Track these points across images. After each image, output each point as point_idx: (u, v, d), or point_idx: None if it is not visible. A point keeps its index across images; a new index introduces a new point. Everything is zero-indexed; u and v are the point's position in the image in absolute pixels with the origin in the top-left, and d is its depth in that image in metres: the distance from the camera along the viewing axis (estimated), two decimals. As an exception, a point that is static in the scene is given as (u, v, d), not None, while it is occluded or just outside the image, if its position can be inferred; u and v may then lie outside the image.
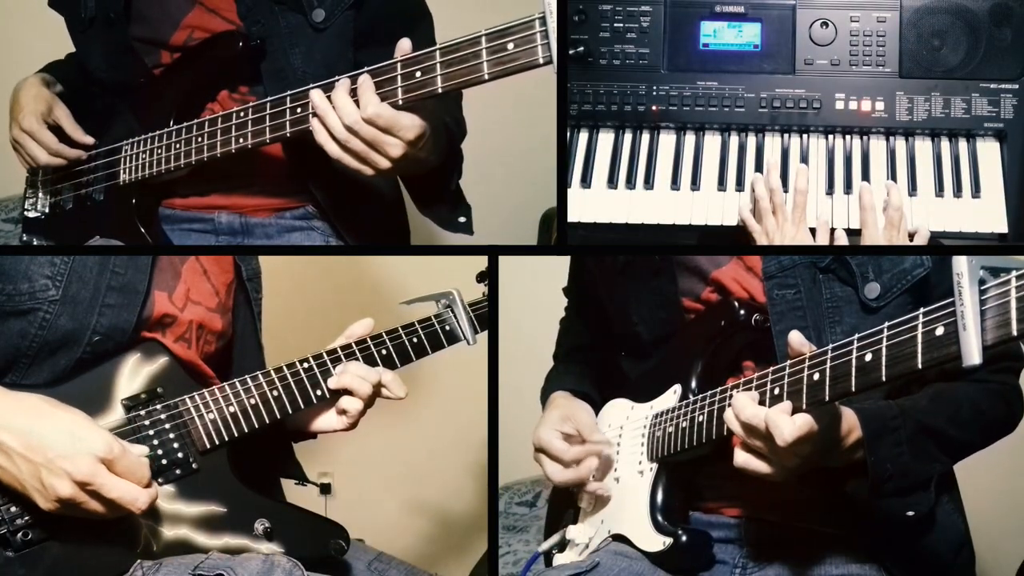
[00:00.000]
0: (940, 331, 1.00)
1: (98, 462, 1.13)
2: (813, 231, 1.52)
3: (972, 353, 0.96)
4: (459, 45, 1.30)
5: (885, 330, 1.07)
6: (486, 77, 1.29)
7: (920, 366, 1.02)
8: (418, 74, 1.32)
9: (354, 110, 1.34)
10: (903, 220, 1.49)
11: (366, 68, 1.36)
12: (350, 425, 1.42)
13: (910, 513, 1.27)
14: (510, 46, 1.27)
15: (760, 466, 1.21)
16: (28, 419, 1.14)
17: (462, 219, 1.59)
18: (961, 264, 0.97)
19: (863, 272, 1.35)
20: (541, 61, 1.26)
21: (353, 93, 1.35)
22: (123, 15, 1.58)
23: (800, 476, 1.22)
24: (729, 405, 1.23)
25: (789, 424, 1.14)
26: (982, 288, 0.96)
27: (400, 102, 1.34)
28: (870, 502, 1.26)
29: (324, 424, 1.44)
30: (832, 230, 1.53)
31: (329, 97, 1.36)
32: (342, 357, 1.40)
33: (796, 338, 1.20)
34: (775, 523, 1.38)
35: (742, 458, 1.22)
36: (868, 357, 1.08)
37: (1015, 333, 0.94)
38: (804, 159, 1.63)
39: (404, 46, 1.34)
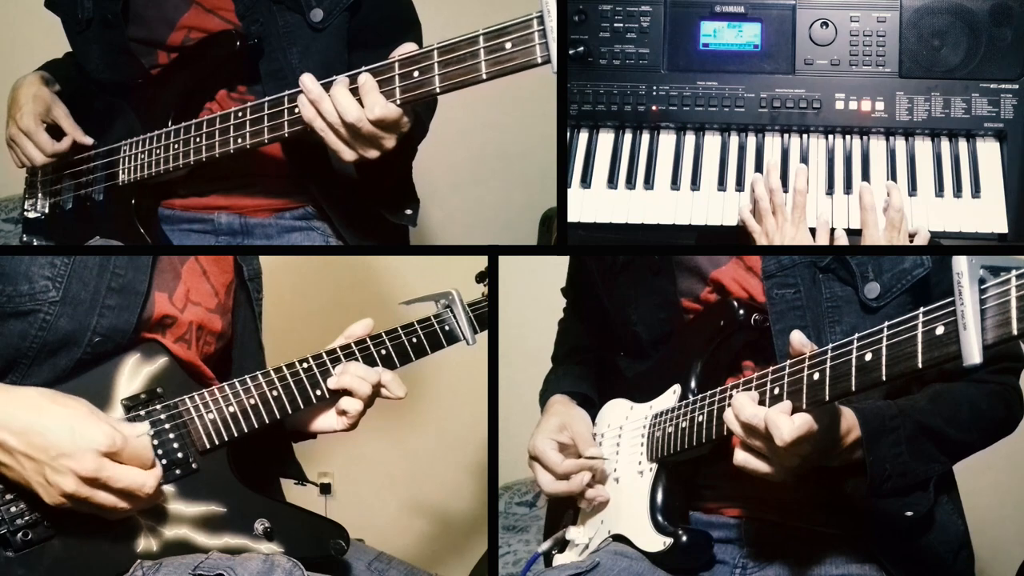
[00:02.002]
0: (940, 330, 1.00)
1: (101, 456, 1.13)
2: (813, 231, 1.52)
3: (972, 352, 0.96)
4: (457, 45, 1.30)
5: (885, 330, 1.07)
6: (484, 77, 1.29)
7: (920, 366, 1.02)
8: (416, 74, 1.32)
9: (357, 109, 1.34)
10: (904, 221, 1.49)
11: (364, 68, 1.36)
12: (350, 426, 1.42)
13: (908, 513, 1.28)
14: (508, 45, 1.27)
15: (759, 465, 1.21)
16: (28, 416, 1.14)
17: (408, 211, 1.59)
18: (961, 264, 0.96)
19: (863, 272, 1.35)
20: (539, 60, 1.26)
21: (354, 92, 1.35)
22: (120, 16, 1.57)
23: (799, 476, 1.22)
24: (729, 405, 1.23)
25: (788, 424, 1.14)
26: (982, 287, 0.96)
27: (398, 102, 1.34)
28: (869, 502, 1.26)
29: (324, 424, 1.44)
30: (832, 230, 1.53)
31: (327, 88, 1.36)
32: (342, 357, 1.40)
33: (797, 338, 1.20)
34: (775, 523, 1.38)
35: (741, 457, 1.22)
36: (868, 357, 1.08)
37: (1015, 332, 0.93)
38: (804, 159, 1.63)
39: (406, 48, 1.34)
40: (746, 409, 1.19)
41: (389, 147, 1.38)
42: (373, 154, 1.38)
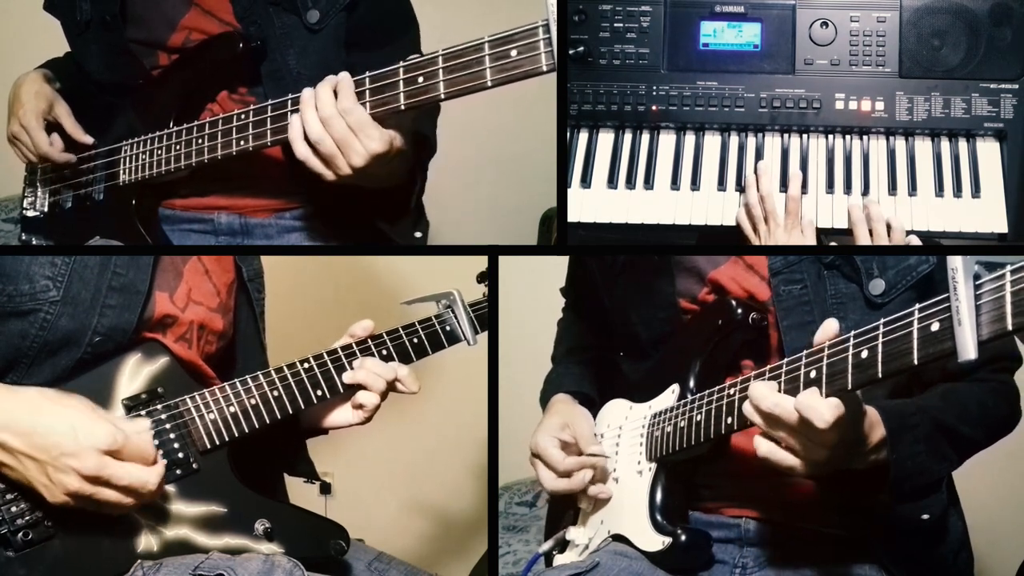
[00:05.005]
0: (935, 327, 1.00)
1: (103, 455, 1.13)
2: (820, 232, 1.52)
3: (967, 348, 0.96)
4: (462, 51, 1.29)
5: (881, 326, 1.07)
6: (489, 84, 1.28)
7: (916, 362, 1.02)
8: (420, 79, 1.32)
9: (332, 101, 1.34)
10: (886, 231, 1.49)
11: (369, 73, 1.36)
12: (365, 419, 1.43)
13: (925, 516, 1.27)
14: (513, 53, 1.26)
15: (785, 457, 1.16)
16: (29, 416, 1.14)
17: (418, 234, 1.59)
18: (956, 260, 0.96)
19: (868, 268, 1.35)
20: (544, 69, 1.25)
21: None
22: (119, 18, 1.58)
23: (822, 476, 1.20)
24: (739, 399, 1.22)
25: (824, 405, 1.10)
26: (977, 283, 0.96)
27: (403, 107, 1.34)
28: (890, 506, 1.25)
29: (339, 419, 1.45)
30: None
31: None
32: (342, 357, 1.41)
33: (831, 326, 1.15)
34: (775, 523, 1.38)
35: (765, 447, 1.17)
36: (864, 354, 1.08)
37: (1010, 327, 0.94)
38: (804, 159, 1.63)
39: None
40: (768, 398, 1.15)
41: (357, 164, 1.35)
42: (344, 169, 1.36)
